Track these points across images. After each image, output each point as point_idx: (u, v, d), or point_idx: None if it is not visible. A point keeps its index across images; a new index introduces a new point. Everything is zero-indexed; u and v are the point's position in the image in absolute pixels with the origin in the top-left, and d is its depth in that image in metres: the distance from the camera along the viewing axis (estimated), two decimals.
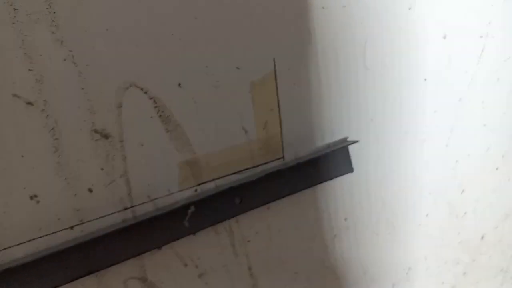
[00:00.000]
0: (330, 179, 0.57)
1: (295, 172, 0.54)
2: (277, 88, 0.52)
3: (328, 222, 0.63)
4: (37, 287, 0.42)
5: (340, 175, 0.57)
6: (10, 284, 0.41)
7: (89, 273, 0.44)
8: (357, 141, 0.56)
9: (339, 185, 0.61)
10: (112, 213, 0.47)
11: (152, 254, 0.51)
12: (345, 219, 0.65)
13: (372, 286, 0.72)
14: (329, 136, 0.58)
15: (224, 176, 0.52)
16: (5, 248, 0.43)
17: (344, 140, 0.56)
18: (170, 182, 0.49)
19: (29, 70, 0.39)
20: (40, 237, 0.44)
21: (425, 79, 0.62)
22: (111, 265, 0.45)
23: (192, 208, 0.48)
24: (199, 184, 0.51)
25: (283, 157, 0.55)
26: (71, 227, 0.45)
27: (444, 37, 0.61)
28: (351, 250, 0.67)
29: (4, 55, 0.38)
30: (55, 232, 0.45)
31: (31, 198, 0.42)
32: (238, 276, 0.57)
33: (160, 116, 0.46)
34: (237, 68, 0.48)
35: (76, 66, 0.41)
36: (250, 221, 0.56)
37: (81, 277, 0.44)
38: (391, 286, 0.75)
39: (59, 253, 0.42)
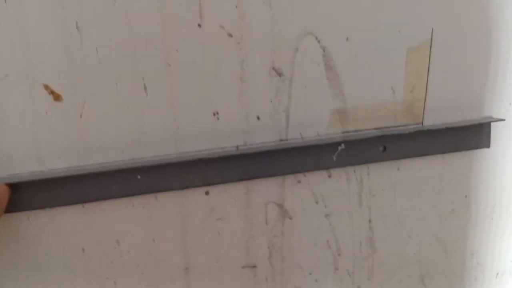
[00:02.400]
0: (467, 149, 0.59)
1: (434, 136, 0.57)
2: (430, 56, 0.55)
3: (449, 195, 0.65)
4: (204, 182, 0.52)
5: (476, 148, 0.59)
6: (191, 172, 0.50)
7: (244, 179, 0.53)
8: (502, 120, 0.58)
9: (468, 160, 0.63)
10: (270, 142, 0.54)
11: (292, 185, 0.57)
12: (466, 196, 0.66)
13: (476, 269, 0.73)
14: (469, 113, 0.60)
15: (367, 130, 0.57)
16: (186, 152, 0.52)
17: (489, 117, 0.59)
18: (320, 125, 0.55)
19: (236, 7, 0.47)
20: (213, 149, 0.53)
21: None
22: (268, 176, 0.53)
23: (342, 146, 0.54)
24: (343, 132, 0.56)
25: (422, 123, 0.59)
26: (237, 147, 0.53)
27: None
28: (464, 229, 0.69)
29: None
30: (224, 147, 0.53)
31: (214, 114, 0.51)
32: (358, 225, 0.62)
33: (325, 64, 0.52)
34: (399, 31, 0.53)
35: (271, 9, 0.48)
36: (380, 177, 0.60)
37: (238, 180, 0.52)
38: (495, 274, 0.75)
39: (226, 157, 0.51)
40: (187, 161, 0.50)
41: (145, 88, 0.48)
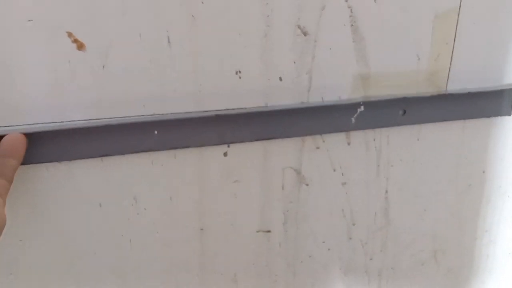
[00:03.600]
0: (487, 116, 0.57)
1: (455, 101, 0.55)
2: (457, 24, 0.53)
3: (466, 169, 0.63)
4: (222, 139, 0.50)
5: (497, 116, 0.57)
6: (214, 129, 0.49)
7: (262, 138, 0.51)
8: None
9: (487, 131, 0.61)
10: (290, 104, 0.52)
11: (311, 151, 0.55)
12: (483, 172, 0.64)
13: (489, 247, 0.71)
14: (491, 79, 0.58)
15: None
16: (206, 111, 0.50)
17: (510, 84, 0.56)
18: (342, 89, 0.53)
19: None
20: (233, 109, 0.51)
21: None
22: (286, 136, 0.51)
23: (362, 108, 0.51)
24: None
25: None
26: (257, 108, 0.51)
27: None
28: (480, 204, 0.67)
29: None
30: (245, 108, 0.51)
31: (236, 73, 0.49)
32: (374, 195, 0.61)
33: (351, 25, 0.50)
34: None
35: None
36: (399, 147, 0.58)
37: (256, 139, 0.51)
38: (508, 253, 0.73)
39: (245, 114, 0.49)
40: (206, 117, 0.48)
41: (168, 40, 0.46)
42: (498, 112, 0.58)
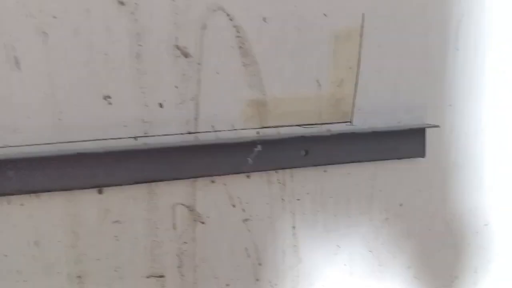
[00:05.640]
0: (399, 158, 0.51)
1: (362, 141, 0.50)
2: (360, 46, 0.48)
3: (382, 203, 0.58)
4: (94, 182, 0.41)
5: (410, 157, 0.51)
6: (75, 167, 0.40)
7: (145, 181, 0.43)
8: (437, 126, 0.50)
9: (403, 167, 0.56)
10: (176, 134, 0.45)
11: (205, 186, 0.49)
12: (401, 205, 0.59)
13: (413, 283, 0.66)
14: (403, 114, 0.53)
15: (288, 126, 0.48)
16: (69, 142, 0.42)
17: (423, 122, 0.51)
18: (236, 118, 0.47)
19: None
20: (104, 139, 0.43)
21: None
22: (174, 178, 0.43)
23: (259, 147, 0.45)
24: (263, 128, 0.48)
25: (350, 121, 0.51)
26: (135, 137, 0.44)
27: None
28: (399, 239, 0.61)
29: None
30: (119, 138, 0.44)
31: (104, 98, 0.42)
32: (281, 231, 0.54)
33: (240, 47, 0.44)
34: (325, 15, 0.45)
35: None
36: (305, 180, 0.52)
37: (136, 182, 0.42)
38: None
39: (120, 152, 0.40)
40: (70, 155, 0.40)
41: (16, 61, 0.38)
42: (410, 154, 0.52)
